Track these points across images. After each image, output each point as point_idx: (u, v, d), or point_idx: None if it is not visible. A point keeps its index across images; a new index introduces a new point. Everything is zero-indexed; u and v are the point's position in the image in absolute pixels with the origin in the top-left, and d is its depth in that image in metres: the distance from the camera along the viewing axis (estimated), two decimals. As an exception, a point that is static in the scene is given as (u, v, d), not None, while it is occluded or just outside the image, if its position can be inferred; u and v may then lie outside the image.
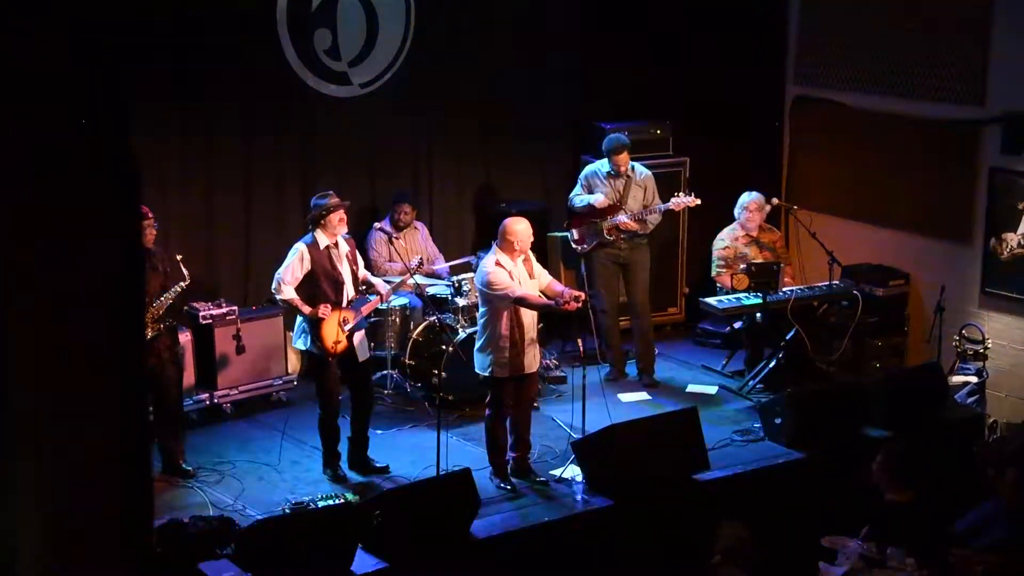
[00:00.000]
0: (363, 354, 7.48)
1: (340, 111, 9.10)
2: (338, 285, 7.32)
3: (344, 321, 7.30)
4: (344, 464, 7.49)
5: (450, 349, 8.13)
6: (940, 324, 8.98)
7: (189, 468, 7.39)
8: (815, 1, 10.11)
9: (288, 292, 7.23)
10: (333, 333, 7.24)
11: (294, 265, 7.23)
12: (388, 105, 9.27)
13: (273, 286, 7.33)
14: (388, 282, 8.63)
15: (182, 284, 7.23)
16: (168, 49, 8.25)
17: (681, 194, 8.85)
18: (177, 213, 8.56)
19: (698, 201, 8.81)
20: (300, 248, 7.26)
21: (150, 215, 7.11)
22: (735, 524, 5.85)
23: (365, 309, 7.46)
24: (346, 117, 9.13)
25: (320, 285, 7.26)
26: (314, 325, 7.24)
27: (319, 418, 7.45)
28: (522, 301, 7.05)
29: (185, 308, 8.14)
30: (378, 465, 7.49)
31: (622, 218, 8.80)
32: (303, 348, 7.46)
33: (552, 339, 9.24)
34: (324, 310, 7.19)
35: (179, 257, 7.28)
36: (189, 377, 8.12)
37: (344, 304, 7.34)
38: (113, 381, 2.98)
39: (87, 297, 2.90)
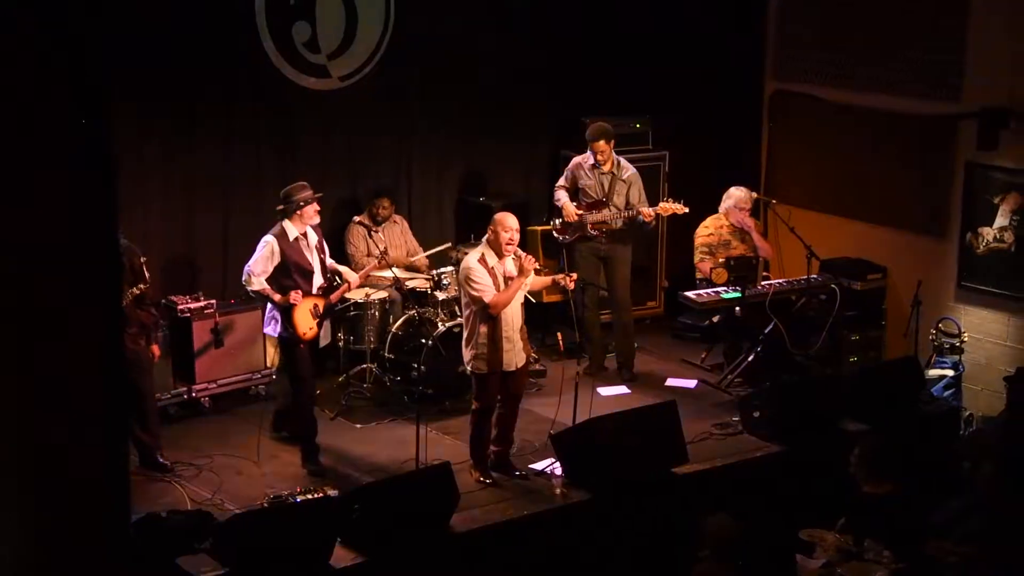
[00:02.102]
0: (324, 340, 7.71)
1: (319, 104, 9.07)
2: (308, 274, 7.42)
3: (315, 308, 7.38)
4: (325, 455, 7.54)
5: (429, 343, 8.12)
6: (917, 318, 9.04)
7: (167, 462, 7.37)
8: (794, -4, 10.16)
9: (258, 283, 7.33)
10: (306, 320, 7.33)
11: (264, 258, 7.32)
12: (368, 98, 9.24)
13: (243, 278, 7.40)
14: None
15: (141, 286, 7.19)
16: (145, 42, 8.20)
17: (671, 200, 8.87)
18: (155, 206, 8.52)
19: (686, 210, 8.82)
20: (270, 242, 7.34)
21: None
22: (723, 516, 5.83)
23: (334, 296, 7.57)
24: (325, 110, 9.10)
25: (291, 275, 7.35)
26: (286, 312, 7.31)
27: (295, 405, 7.52)
28: (493, 307, 7.02)
29: (163, 301, 8.12)
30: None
31: (605, 216, 8.81)
32: (273, 335, 7.54)
33: (532, 333, 9.24)
34: (296, 296, 7.29)
35: (143, 260, 7.25)
36: (167, 371, 8.09)
37: (314, 292, 7.43)
38: (90, 377, 2.97)
39: (63, 293, 2.89)
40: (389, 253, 8.62)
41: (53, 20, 2.66)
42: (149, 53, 8.24)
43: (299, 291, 7.30)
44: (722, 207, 9.18)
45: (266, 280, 7.31)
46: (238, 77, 8.69)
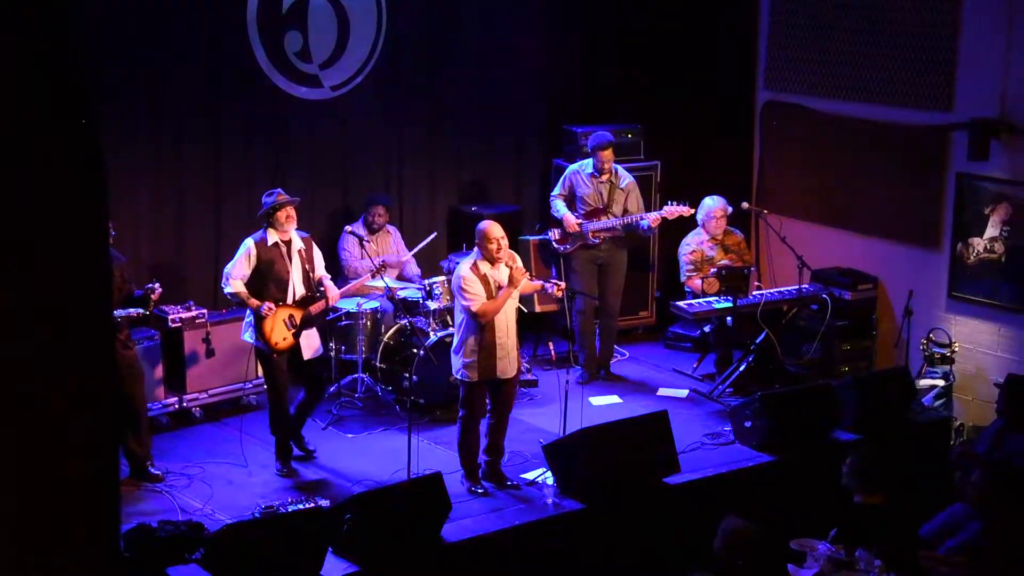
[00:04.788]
0: (308, 352, 7.55)
1: (311, 114, 9.07)
2: (283, 283, 7.41)
3: (291, 318, 7.39)
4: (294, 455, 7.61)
5: (421, 352, 8.12)
6: (908, 328, 9.05)
7: (158, 472, 7.35)
8: (785, 7, 10.18)
9: (236, 286, 7.37)
10: (279, 330, 7.36)
11: (241, 261, 7.37)
12: (360, 108, 9.25)
13: (222, 280, 7.46)
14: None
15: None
16: (137, 51, 8.21)
17: (674, 202, 8.90)
18: (147, 216, 8.52)
19: (692, 211, 8.88)
20: (248, 245, 7.39)
21: (112, 224, 7.05)
22: (737, 519, 5.77)
23: (314, 308, 7.53)
24: (318, 120, 9.11)
25: (265, 282, 7.38)
26: (259, 320, 7.34)
27: (269, 412, 7.56)
28: (483, 315, 7.02)
29: (154, 311, 8.09)
30: (308, 446, 7.67)
31: (607, 223, 8.83)
32: (250, 341, 7.53)
33: (524, 342, 9.25)
34: (268, 308, 7.29)
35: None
36: (158, 381, 8.07)
37: (290, 301, 7.42)
38: (80, 385, 2.96)
39: (54, 298, 2.88)
40: (384, 265, 8.59)
41: (38, 32, 2.66)
42: (140, 63, 8.25)
43: (271, 303, 7.31)
44: (699, 219, 9.21)
45: (245, 284, 7.36)
46: (230, 86, 8.69)
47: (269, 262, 7.36)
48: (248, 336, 7.48)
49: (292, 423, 7.63)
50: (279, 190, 7.51)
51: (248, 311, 7.44)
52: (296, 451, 7.66)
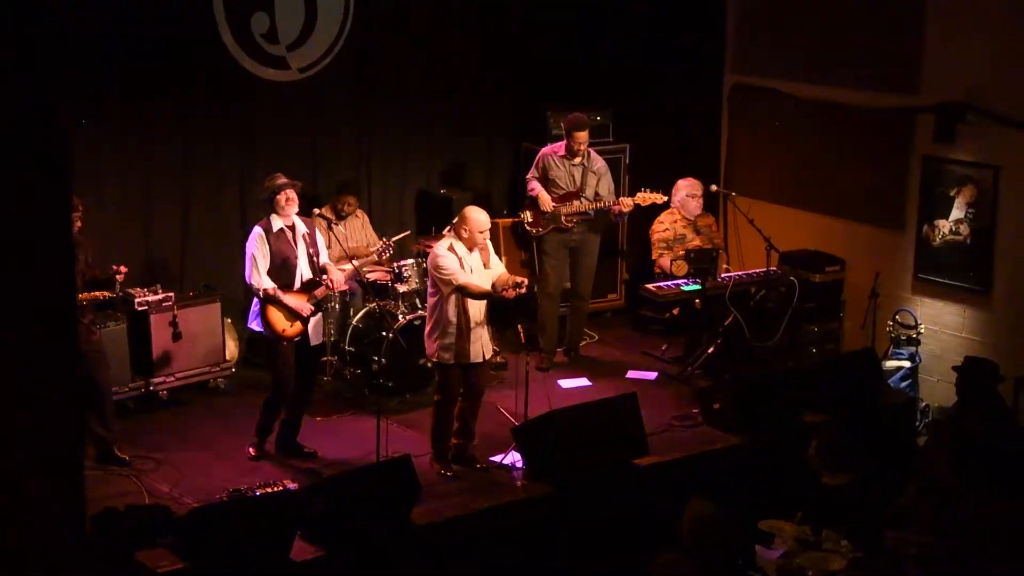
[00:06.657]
0: (316, 338, 7.47)
1: (279, 96, 9.01)
2: (290, 268, 7.30)
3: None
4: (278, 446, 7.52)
5: (390, 335, 8.10)
6: (874, 310, 9.11)
7: (124, 457, 7.30)
8: (753, -11, 10.20)
9: (268, 282, 7.19)
10: (287, 317, 7.25)
11: (264, 254, 7.19)
12: (328, 90, 9.19)
13: (253, 286, 7.21)
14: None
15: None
16: (103, 32, 8.11)
17: (648, 190, 8.90)
18: (113, 198, 8.45)
19: (665, 198, 8.89)
20: (260, 234, 7.22)
21: (79, 207, 6.98)
22: (703, 501, 5.78)
23: (319, 293, 7.44)
24: (285, 102, 9.04)
25: (273, 268, 7.26)
26: (263, 308, 7.23)
27: (267, 397, 7.43)
28: (463, 289, 7.04)
29: (120, 294, 8.03)
30: (306, 451, 7.49)
31: (579, 207, 8.82)
32: (258, 329, 7.42)
33: (493, 326, 9.24)
34: (308, 311, 7.20)
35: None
36: (125, 365, 8.01)
37: (296, 287, 7.33)
38: (45, 371, 2.93)
39: (16, 283, 2.84)
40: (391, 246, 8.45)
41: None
42: (105, 45, 8.15)
43: (301, 295, 7.21)
44: (674, 201, 9.23)
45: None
46: (196, 68, 8.61)
47: (278, 249, 7.24)
48: (256, 325, 7.36)
49: (288, 428, 7.50)
50: (279, 173, 7.39)
51: (254, 300, 7.31)
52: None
